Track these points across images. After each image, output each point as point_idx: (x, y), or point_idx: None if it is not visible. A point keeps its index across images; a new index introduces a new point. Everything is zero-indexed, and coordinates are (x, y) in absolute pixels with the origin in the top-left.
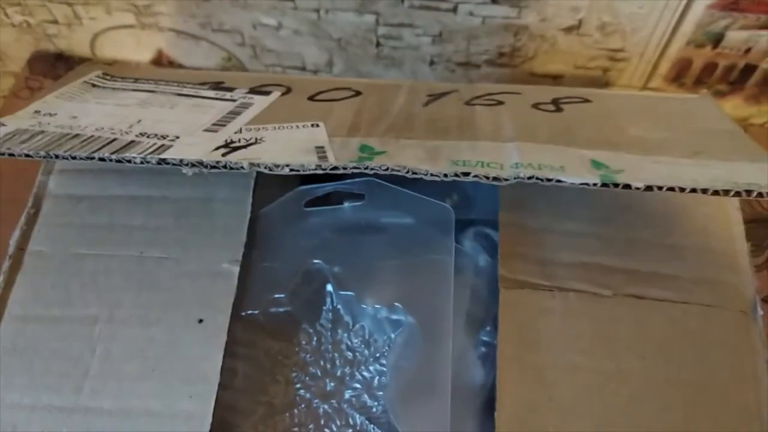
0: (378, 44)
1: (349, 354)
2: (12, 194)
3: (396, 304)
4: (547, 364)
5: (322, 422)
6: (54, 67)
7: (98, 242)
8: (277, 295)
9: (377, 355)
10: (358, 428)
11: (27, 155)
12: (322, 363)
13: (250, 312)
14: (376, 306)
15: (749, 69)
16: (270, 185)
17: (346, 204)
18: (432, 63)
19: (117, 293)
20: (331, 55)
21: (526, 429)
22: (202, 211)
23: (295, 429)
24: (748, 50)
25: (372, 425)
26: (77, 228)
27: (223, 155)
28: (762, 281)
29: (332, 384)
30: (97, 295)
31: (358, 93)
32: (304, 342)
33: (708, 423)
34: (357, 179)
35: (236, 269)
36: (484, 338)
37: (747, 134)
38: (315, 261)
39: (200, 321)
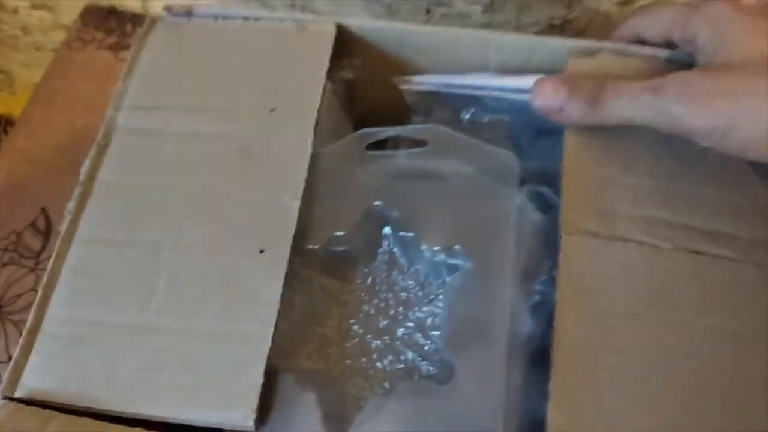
0: (428, 11)
1: (403, 295)
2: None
3: (456, 247)
4: (605, 309)
5: (374, 356)
6: (106, 20)
7: (164, 174)
8: (336, 233)
9: (431, 297)
10: (409, 364)
11: None
12: (376, 302)
13: (309, 247)
14: (435, 248)
15: None
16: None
17: (407, 151)
18: (428, 12)
19: (181, 221)
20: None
21: (581, 367)
22: (265, 149)
23: (348, 361)
24: None
25: (424, 361)
26: (144, 160)
27: None
28: None
29: (385, 322)
30: (163, 222)
31: None
32: (359, 281)
33: (763, 375)
34: (421, 125)
35: (297, 204)
36: (538, 287)
37: None
38: (375, 203)
39: (261, 251)
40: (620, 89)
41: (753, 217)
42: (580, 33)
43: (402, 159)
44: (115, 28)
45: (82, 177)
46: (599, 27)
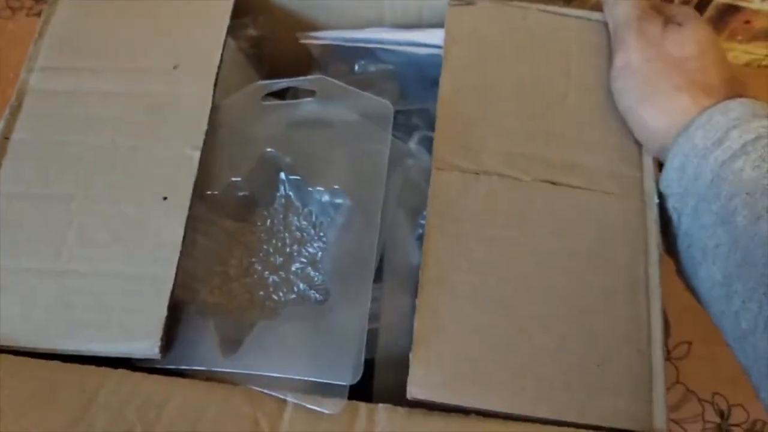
0: None
1: (298, 234)
2: None
3: (335, 187)
4: (468, 234)
5: (271, 289)
6: None
7: (74, 132)
8: (234, 178)
9: (321, 234)
10: (301, 294)
11: None
12: (273, 241)
13: (210, 192)
14: (319, 189)
15: (703, 2)
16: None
17: (298, 101)
18: None
19: (91, 175)
20: None
21: (444, 283)
22: (169, 105)
23: (247, 295)
24: None
25: (312, 291)
26: (56, 119)
27: None
28: None
29: (281, 259)
30: (74, 176)
31: None
32: (259, 223)
33: (600, 287)
34: (309, 77)
35: (197, 154)
36: (423, 221)
37: None
38: (269, 150)
39: (165, 198)
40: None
41: (605, 151)
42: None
43: (294, 109)
44: None
45: None
46: None
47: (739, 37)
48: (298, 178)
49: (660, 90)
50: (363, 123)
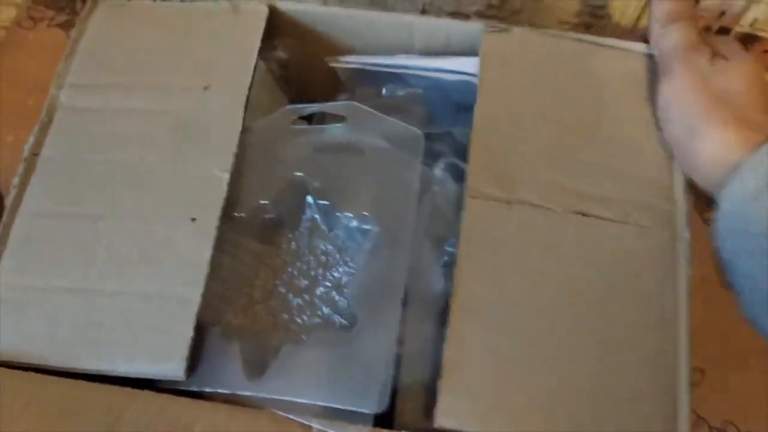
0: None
1: (323, 257)
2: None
3: (364, 213)
4: (499, 263)
5: (295, 313)
6: None
7: (103, 149)
8: (262, 201)
9: (347, 259)
10: (325, 318)
11: None
12: (298, 264)
13: (237, 214)
14: (348, 214)
15: (723, 31)
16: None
17: (328, 126)
18: (424, 11)
19: (120, 194)
20: None
21: (475, 313)
22: (198, 124)
23: (271, 318)
24: (722, 14)
25: (337, 315)
26: (85, 136)
27: None
28: None
29: (306, 282)
30: (103, 195)
31: None
32: (284, 245)
33: (630, 320)
34: (339, 102)
35: (226, 176)
36: (447, 248)
37: None
38: (298, 174)
39: (193, 219)
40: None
41: (637, 183)
42: (515, 14)
43: (324, 133)
44: (65, 6)
45: (26, 153)
46: (533, 8)
47: None
48: (326, 202)
49: (707, 123)
50: (392, 150)
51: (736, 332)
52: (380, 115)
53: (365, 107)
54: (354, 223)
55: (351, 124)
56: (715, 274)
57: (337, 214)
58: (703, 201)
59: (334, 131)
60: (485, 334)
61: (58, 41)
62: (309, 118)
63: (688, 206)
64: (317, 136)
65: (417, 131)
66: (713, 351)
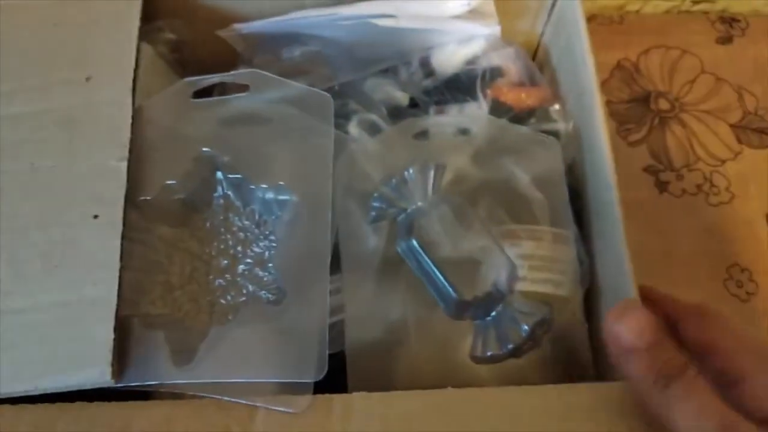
0: None
1: (241, 234)
2: None
3: (280, 183)
4: None
5: (218, 294)
6: None
7: None
8: (169, 181)
9: (266, 233)
10: (251, 296)
11: None
12: (215, 244)
13: (143, 198)
14: (263, 186)
15: None
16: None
17: (231, 96)
18: None
19: (14, 204)
20: None
21: None
22: (85, 118)
23: (192, 303)
24: None
25: (263, 291)
26: None
27: None
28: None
29: (226, 261)
30: None
31: None
32: (198, 226)
33: None
34: (241, 71)
35: (124, 164)
36: (374, 204)
37: None
38: (204, 149)
39: (95, 216)
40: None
41: None
42: None
43: (227, 104)
44: None
45: None
46: None
47: None
48: (238, 176)
49: None
50: (302, 116)
51: None
52: (285, 80)
53: (268, 74)
54: (270, 195)
55: (255, 93)
56: None
57: (252, 186)
58: None
59: (238, 102)
60: None
61: None
62: (207, 95)
63: None
64: (220, 108)
65: (325, 94)
66: None
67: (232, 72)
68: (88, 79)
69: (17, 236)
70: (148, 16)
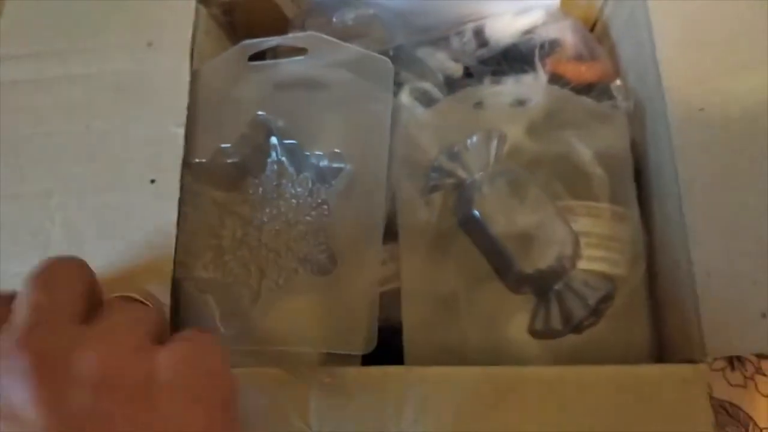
0: None
1: (293, 201)
2: None
3: (336, 150)
4: None
5: (268, 261)
6: None
7: (44, 122)
8: (223, 145)
9: (319, 201)
10: (301, 264)
11: None
12: (267, 210)
13: (197, 161)
14: (318, 153)
15: None
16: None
17: (288, 59)
18: None
19: (68, 166)
20: None
21: None
22: (142, 83)
23: (243, 268)
24: None
25: (313, 260)
26: (22, 110)
27: None
28: None
29: (277, 227)
30: (50, 170)
31: None
32: (251, 191)
33: None
34: (299, 34)
35: (181, 131)
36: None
37: None
38: (259, 113)
39: (152, 181)
40: None
41: None
42: None
43: (284, 68)
44: None
45: None
46: None
47: None
48: (293, 142)
49: None
50: (360, 82)
51: None
52: (344, 44)
53: (328, 38)
54: (324, 163)
55: (312, 57)
56: None
57: (306, 153)
58: None
59: (295, 66)
60: None
61: None
62: (261, 59)
63: None
64: (276, 72)
65: (385, 59)
66: None
67: (290, 35)
68: (149, 44)
69: (72, 199)
70: None
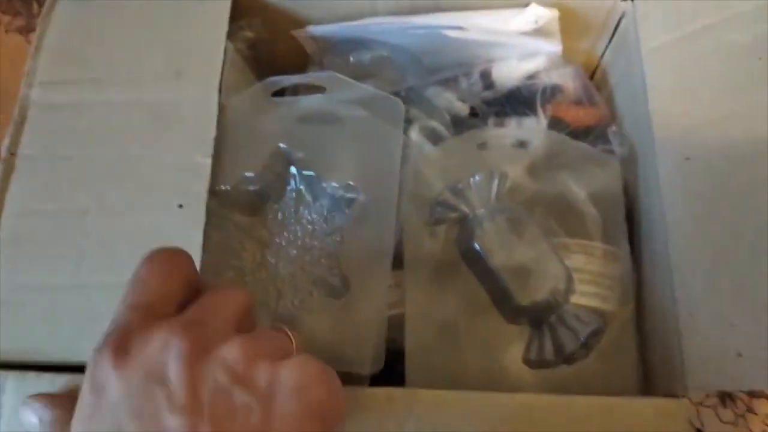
0: None
1: (310, 227)
2: None
3: (350, 182)
4: None
5: (285, 282)
6: (11, 3)
7: (81, 144)
8: (247, 173)
9: (334, 227)
10: (315, 286)
11: None
12: (285, 234)
13: (222, 187)
14: (333, 184)
15: None
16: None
17: (309, 96)
18: None
19: (103, 187)
20: None
21: None
22: (174, 112)
23: (262, 288)
24: None
25: (326, 283)
26: (61, 133)
27: None
28: None
29: (294, 251)
30: (86, 189)
31: None
32: (270, 216)
33: None
34: (320, 73)
35: (208, 161)
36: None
37: None
38: (281, 145)
39: (180, 206)
40: None
41: None
42: None
43: (304, 104)
44: (21, 11)
45: (3, 154)
46: None
47: None
48: (311, 173)
49: None
50: (374, 119)
51: None
52: (359, 84)
53: (345, 78)
54: (340, 193)
55: (330, 94)
56: None
57: (323, 184)
58: None
59: (314, 102)
60: None
61: (17, 46)
62: (281, 94)
63: None
64: (297, 107)
65: (396, 99)
66: None
67: (311, 73)
68: (178, 74)
69: (105, 218)
70: (232, 14)
